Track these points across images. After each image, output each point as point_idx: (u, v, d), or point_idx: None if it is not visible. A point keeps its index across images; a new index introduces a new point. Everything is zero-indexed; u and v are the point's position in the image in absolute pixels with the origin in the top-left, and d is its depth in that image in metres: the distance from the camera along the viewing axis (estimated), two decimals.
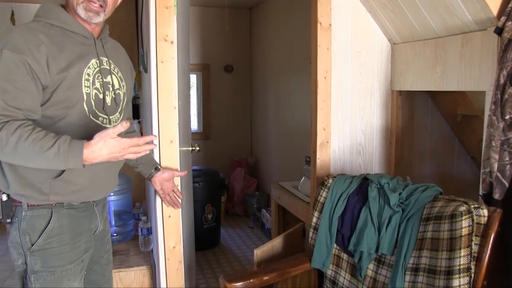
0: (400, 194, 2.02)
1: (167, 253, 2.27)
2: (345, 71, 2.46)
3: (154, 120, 2.21)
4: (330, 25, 2.37)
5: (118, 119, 1.69)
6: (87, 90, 1.54)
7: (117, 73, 1.71)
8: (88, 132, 1.50)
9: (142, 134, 3.51)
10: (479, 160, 2.91)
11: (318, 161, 2.46)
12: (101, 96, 1.60)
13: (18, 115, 1.38)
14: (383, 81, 2.55)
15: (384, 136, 2.59)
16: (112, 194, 2.87)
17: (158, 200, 2.29)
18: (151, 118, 2.24)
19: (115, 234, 2.82)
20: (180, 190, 2.22)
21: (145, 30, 2.46)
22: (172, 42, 2.16)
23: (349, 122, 2.51)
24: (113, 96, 1.66)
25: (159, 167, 2.11)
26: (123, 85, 1.73)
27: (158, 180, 2.10)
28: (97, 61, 1.60)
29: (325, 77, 2.40)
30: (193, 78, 5.42)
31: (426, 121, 2.75)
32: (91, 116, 1.56)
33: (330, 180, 2.25)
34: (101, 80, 1.60)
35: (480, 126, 2.83)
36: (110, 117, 1.64)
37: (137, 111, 4.00)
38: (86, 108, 1.54)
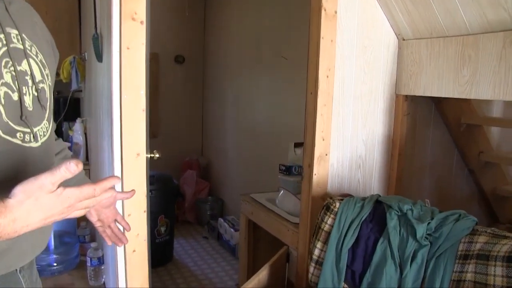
0: (428, 224, 1.65)
1: None
2: (349, 70, 2.06)
3: (115, 127, 1.68)
4: (336, 12, 1.95)
5: (47, 131, 1.04)
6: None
7: (37, 55, 1.04)
8: (3, 162, 0.88)
9: (86, 137, 2.92)
10: (478, 173, 2.65)
11: (314, 177, 2.04)
12: (15, 96, 0.94)
13: None
14: (388, 84, 2.18)
15: (386, 147, 2.22)
16: None
17: (119, 224, 1.77)
18: (110, 123, 1.71)
19: (55, 264, 2.24)
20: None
21: (102, 4, 1.90)
22: (142, 23, 1.63)
23: (350, 131, 2.11)
24: (35, 94, 1.00)
25: None
26: (47, 75, 1.06)
27: (94, 208, 1.29)
28: (1, 36, 0.93)
29: (327, 76, 1.98)
30: None
31: (429, 130, 2.42)
32: (1, 134, 0.90)
33: (337, 204, 1.84)
34: (13, 69, 0.94)
35: (482, 137, 2.55)
36: (35, 129, 0.98)
37: (78, 108, 3.38)
38: None
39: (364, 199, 1.87)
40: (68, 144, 1.27)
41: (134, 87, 1.67)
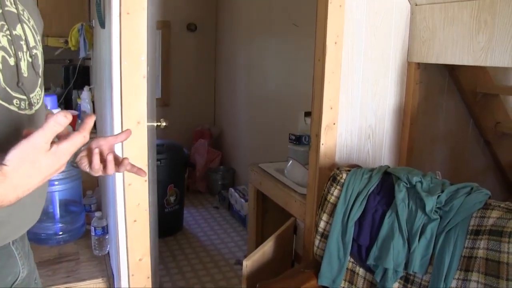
0: (438, 197, 1.59)
1: (132, 268, 1.76)
2: (358, 36, 1.96)
3: (115, 94, 1.64)
4: None
5: (40, 99, 1.00)
6: None
7: (29, 20, 0.99)
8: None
9: (94, 105, 2.89)
10: (494, 145, 2.56)
11: (322, 147, 1.98)
12: (12, 61, 0.90)
13: None
14: (400, 50, 2.08)
15: (397, 116, 2.15)
16: (56, 183, 2.28)
17: (120, 194, 1.75)
18: (111, 91, 1.66)
19: (60, 233, 2.25)
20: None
21: None
22: None
23: (359, 100, 2.03)
24: (29, 60, 0.96)
25: None
26: (38, 40, 1.03)
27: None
28: None
29: (335, 42, 1.89)
30: None
31: (442, 99, 2.33)
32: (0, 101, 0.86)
33: (344, 175, 1.78)
34: (8, 33, 0.90)
35: (499, 107, 2.45)
36: (30, 96, 0.95)
37: (88, 76, 3.35)
38: None
39: (372, 170, 1.81)
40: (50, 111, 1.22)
41: (134, 53, 1.61)
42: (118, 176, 1.73)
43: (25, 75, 0.93)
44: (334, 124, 1.98)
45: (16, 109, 0.90)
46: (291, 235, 2.34)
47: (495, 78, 2.37)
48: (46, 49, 3.38)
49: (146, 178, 1.77)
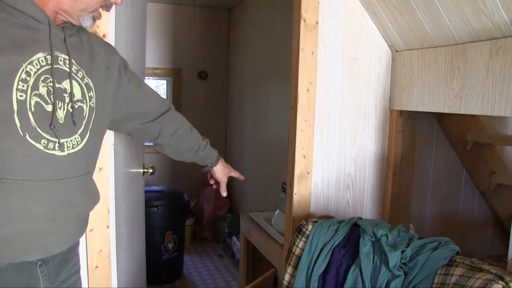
0: (402, 252, 1.49)
1: None
2: (334, 83, 1.93)
3: None
4: (317, 23, 1.85)
5: (77, 145, 1.15)
6: (21, 96, 1.02)
7: (82, 79, 1.18)
8: (23, 162, 1.04)
9: None
10: (490, 196, 2.42)
11: (295, 197, 1.92)
12: (48, 107, 1.08)
13: None
14: (381, 98, 2.03)
15: (380, 166, 2.07)
16: None
17: (82, 239, 1.73)
18: None
19: None
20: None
21: None
22: (104, 36, 1.60)
23: (337, 148, 1.98)
24: (70, 110, 1.13)
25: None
26: (90, 96, 1.20)
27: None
28: (48, 57, 1.08)
29: (308, 90, 1.86)
30: (163, 84, 4.86)
31: (430, 148, 2.23)
32: (27, 137, 1.03)
33: (309, 226, 1.71)
34: (51, 84, 1.08)
35: (493, 156, 2.33)
36: (62, 140, 1.11)
37: None
38: (18, 123, 1.01)
39: (341, 222, 1.73)
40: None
41: None
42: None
43: (61, 121, 1.10)
44: (308, 173, 1.92)
45: (42, 148, 1.06)
46: (271, 286, 2.25)
47: (488, 126, 2.28)
48: None
49: (109, 224, 1.75)
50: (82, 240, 1.76)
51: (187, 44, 4.69)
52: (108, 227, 1.74)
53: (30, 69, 1.04)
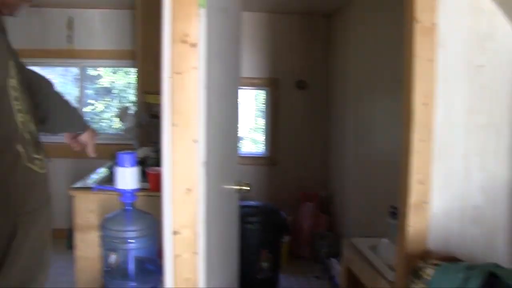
0: None
1: None
2: (456, 96, 1.62)
3: (165, 158, 1.52)
4: (434, 24, 1.55)
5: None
6: (22, 117, 0.96)
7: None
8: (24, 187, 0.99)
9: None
10: None
11: (409, 229, 1.62)
12: (32, 123, 1.04)
13: None
14: None
15: None
16: (132, 241, 2.22)
17: (169, 265, 1.60)
18: (162, 153, 1.56)
19: None
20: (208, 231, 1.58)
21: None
22: (193, 45, 1.46)
23: (460, 175, 1.65)
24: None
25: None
26: None
27: None
28: (14, 63, 1.01)
29: (425, 104, 1.57)
30: (260, 94, 4.74)
31: None
32: (27, 163, 0.98)
33: (429, 271, 1.41)
34: (26, 96, 1.05)
35: None
36: (41, 155, 1.08)
37: None
38: (21, 150, 0.96)
39: (471, 268, 1.40)
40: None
41: (185, 115, 1.49)
42: (168, 244, 1.59)
43: (35, 134, 1.08)
44: (425, 203, 1.62)
45: (38, 170, 1.05)
46: None
47: None
48: (146, 105, 3.49)
49: (197, 250, 1.60)
50: (168, 266, 1.64)
51: (285, 53, 4.54)
52: (196, 253, 1.59)
53: (14, 84, 0.97)
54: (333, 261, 3.71)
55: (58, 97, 1.48)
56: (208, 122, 1.58)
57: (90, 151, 1.58)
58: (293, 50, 4.52)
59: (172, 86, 1.48)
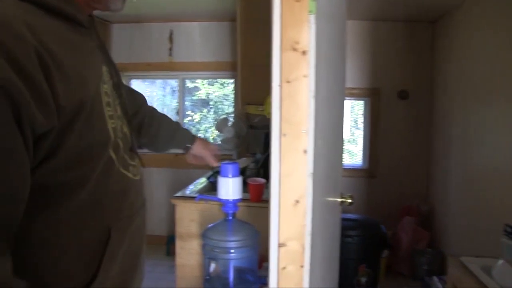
0: None
1: None
2: None
3: (273, 169, 1.52)
4: None
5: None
6: (113, 123, 0.92)
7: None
8: (118, 193, 0.96)
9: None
10: None
11: None
12: (125, 129, 1.02)
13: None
14: None
15: None
16: (232, 251, 2.26)
17: (273, 278, 1.59)
18: (270, 163, 1.56)
19: None
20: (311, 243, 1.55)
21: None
22: (304, 53, 1.44)
23: None
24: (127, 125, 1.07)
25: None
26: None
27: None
28: (107, 68, 0.98)
29: None
30: (359, 105, 4.63)
31: None
32: (121, 169, 0.95)
33: None
34: (118, 102, 1.00)
35: None
36: (135, 161, 1.07)
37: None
38: (114, 157, 0.92)
39: None
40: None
41: (294, 124, 1.48)
42: (273, 256, 1.58)
43: (129, 140, 1.05)
44: None
45: (132, 176, 1.03)
46: None
47: None
48: (245, 116, 3.55)
49: (304, 264, 1.57)
50: (273, 278, 1.63)
51: (386, 62, 4.40)
52: (302, 266, 1.57)
53: (106, 89, 0.93)
54: (435, 279, 3.49)
55: (156, 113, 1.51)
56: (316, 132, 1.55)
57: (210, 161, 1.62)
58: (395, 59, 4.37)
59: (282, 95, 1.47)
